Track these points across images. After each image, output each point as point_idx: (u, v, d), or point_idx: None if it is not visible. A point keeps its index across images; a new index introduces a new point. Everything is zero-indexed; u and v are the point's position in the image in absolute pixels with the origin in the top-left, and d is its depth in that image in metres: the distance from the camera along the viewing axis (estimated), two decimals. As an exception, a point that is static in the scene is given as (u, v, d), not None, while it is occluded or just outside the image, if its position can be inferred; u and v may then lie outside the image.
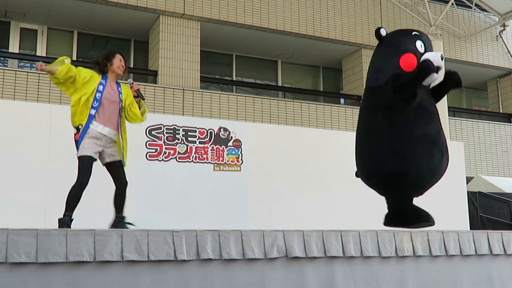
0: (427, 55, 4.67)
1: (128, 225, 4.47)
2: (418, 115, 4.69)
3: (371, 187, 4.94)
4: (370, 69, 5.03)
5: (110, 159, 4.54)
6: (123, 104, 4.62)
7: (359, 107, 5.20)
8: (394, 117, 4.66)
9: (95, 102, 4.42)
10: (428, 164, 4.62)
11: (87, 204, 5.63)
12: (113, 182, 4.57)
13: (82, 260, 3.06)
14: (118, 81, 4.72)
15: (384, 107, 4.69)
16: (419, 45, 4.76)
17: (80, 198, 4.32)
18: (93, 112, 4.40)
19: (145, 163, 7.11)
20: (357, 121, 5.10)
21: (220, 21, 11.90)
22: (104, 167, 4.60)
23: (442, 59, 4.69)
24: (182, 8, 11.49)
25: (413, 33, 4.88)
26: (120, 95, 4.61)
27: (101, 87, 4.49)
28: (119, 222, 4.48)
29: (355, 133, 4.97)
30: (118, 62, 4.64)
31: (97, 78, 4.55)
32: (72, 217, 4.27)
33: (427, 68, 4.58)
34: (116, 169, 4.55)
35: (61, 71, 4.34)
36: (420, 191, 4.82)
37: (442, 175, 4.78)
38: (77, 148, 4.38)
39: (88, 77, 4.49)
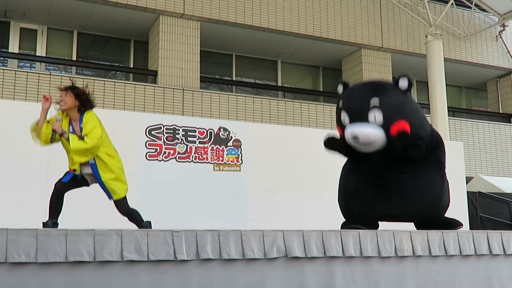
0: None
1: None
2: None
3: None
4: (423, 119, 4.94)
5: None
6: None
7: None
8: None
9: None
10: None
11: (85, 204, 5.62)
12: None
13: (81, 260, 3.06)
14: (81, 113, 4.39)
15: None
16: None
17: (58, 203, 4.33)
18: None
19: (145, 163, 7.11)
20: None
21: (220, 21, 11.90)
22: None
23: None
24: (182, 8, 11.50)
25: None
26: (79, 130, 4.36)
27: (70, 128, 4.39)
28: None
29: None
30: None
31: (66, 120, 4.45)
32: (57, 223, 4.30)
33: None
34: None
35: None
36: None
37: None
38: None
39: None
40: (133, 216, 4.55)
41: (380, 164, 4.76)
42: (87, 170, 4.40)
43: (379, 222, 5.03)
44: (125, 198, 4.49)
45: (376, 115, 4.52)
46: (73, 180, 4.40)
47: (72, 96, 4.32)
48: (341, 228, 4.84)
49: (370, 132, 4.52)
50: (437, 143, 4.99)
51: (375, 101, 4.53)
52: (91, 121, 4.30)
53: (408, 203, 4.74)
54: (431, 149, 4.86)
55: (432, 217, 4.89)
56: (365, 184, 4.80)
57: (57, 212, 4.35)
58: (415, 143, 4.58)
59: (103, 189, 4.40)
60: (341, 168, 5.17)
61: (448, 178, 5.04)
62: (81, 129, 4.29)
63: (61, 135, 4.28)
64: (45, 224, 4.27)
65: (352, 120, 4.62)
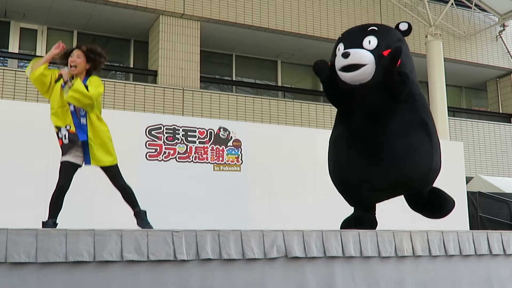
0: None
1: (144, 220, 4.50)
2: None
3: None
4: (413, 68, 4.96)
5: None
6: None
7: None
8: None
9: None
10: None
11: (85, 203, 5.61)
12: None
13: (81, 260, 3.06)
14: (87, 76, 4.50)
15: None
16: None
17: (59, 202, 4.29)
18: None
19: (145, 163, 7.11)
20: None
21: (220, 21, 11.91)
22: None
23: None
24: (182, 8, 11.50)
25: None
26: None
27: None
28: (137, 216, 4.52)
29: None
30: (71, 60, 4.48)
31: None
32: (57, 222, 4.28)
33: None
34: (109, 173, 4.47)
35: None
36: None
37: None
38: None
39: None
40: (127, 192, 4.50)
41: (366, 122, 4.70)
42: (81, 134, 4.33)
43: (379, 221, 5.02)
44: (116, 169, 4.44)
45: (371, 40, 4.65)
46: (72, 170, 4.36)
47: (84, 60, 4.44)
48: (341, 228, 4.84)
49: (362, 53, 4.60)
50: (423, 100, 5.03)
51: (373, 29, 4.73)
52: (96, 81, 4.39)
53: (401, 165, 4.61)
54: (418, 105, 4.87)
55: (426, 179, 4.76)
56: (356, 151, 4.72)
57: (58, 211, 4.34)
58: (403, 75, 4.61)
59: (84, 150, 4.33)
60: (328, 140, 5.12)
61: (439, 141, 4.93)
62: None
63: (65, 82, 4.37)
64: (45, 224, 4.27)
65: (347, 47, 4.72)
